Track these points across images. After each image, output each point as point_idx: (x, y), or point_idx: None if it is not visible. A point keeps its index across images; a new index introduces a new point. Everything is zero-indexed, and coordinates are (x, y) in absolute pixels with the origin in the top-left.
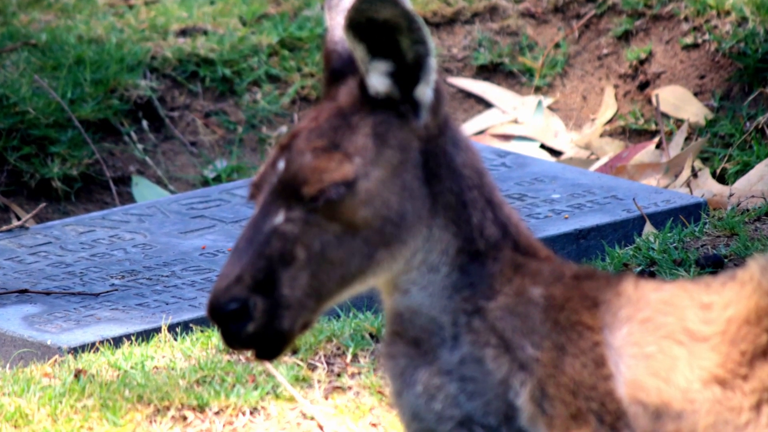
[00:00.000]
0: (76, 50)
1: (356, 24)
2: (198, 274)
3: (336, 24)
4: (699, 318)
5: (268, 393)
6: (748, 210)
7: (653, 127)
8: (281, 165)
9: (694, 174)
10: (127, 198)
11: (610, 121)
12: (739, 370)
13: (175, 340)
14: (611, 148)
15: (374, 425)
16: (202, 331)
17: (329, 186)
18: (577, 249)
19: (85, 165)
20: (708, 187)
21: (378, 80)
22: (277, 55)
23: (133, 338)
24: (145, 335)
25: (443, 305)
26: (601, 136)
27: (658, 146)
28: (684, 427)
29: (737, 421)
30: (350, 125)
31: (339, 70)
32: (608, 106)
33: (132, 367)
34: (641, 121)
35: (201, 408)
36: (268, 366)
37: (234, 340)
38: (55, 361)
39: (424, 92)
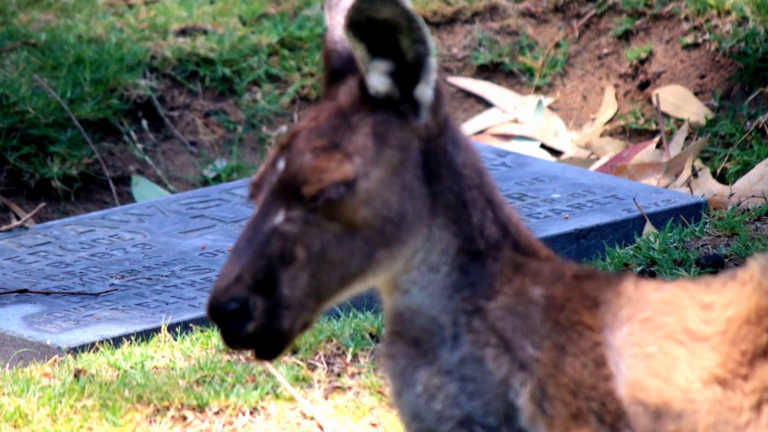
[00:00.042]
0: (76, 50)
1: (356, 23)
2: (198, 273)
3: (336, 23)
4: (699, 318)
5: (268, 393)
6: (748, 210)
7: (653, 126)
8: (281, 165)
9: (695, 174)
10: (127, 198)
11: (610, 121)
12: (740, 370)
13: (175, 340)
14: (611, 147)
15: (374, 425)
16: (201, 331)
17: (329, 186)
18: (577, 249)
19: (85, 165)
20: (708, 187)
21: (378, 80)
22: (277, 54)
23: (132, 338)
24: (145, 335)
25: (443, 305)
26: (602, 135)
27: (658, 146)
28: (684, 427)
29: (738, 421)
30: (350, 125)
31: (339, 69)
32: (608, 106)
33: (132, 367)
34: (641, 121)
35: (201, 408)
36: (268, 366)
37: (234, 340)
38: (55, 361)
39: (424, 92)
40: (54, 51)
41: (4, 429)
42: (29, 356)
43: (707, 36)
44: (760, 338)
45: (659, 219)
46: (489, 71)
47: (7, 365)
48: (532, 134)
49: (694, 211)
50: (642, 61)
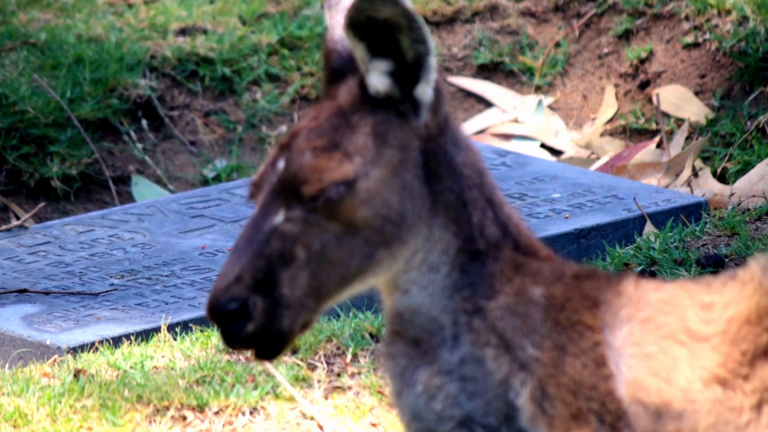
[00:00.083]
0: (76, 49)
1: (356, 23)
2: (197, 273)
3: (336, 23)
4: (700, 318)
5: (267, 393)
6: (748, 209)
7: (654, 126)
8: (281, 164)
9: (695, 173)
10: (127, 197)
11: (610, 121)
12: (740, 369)
13: (175, 339)
14: (612, 147)
15: (374, 425)
16: (201, 331)
17: (329, 185)
18: (577, 248)
19: (85, 164)
20: (709, 187)
21: (378, 79)
22: (277, 54)
23: (132, 338)
24: (145, 335)
25: (443, 305)
26: (602, 135)
27: (658, 146)
28: (685, 427)
29: (738, 421)
30: (350, 124)
31: (339, 69)
32: (609, 106)
33: (131, 367)
34: (642, 121)
35: (200, 408)
36: (268, 366)
37: (234, 340)
38: (55, 360)
39: (425, 91)
40: (53, 50)
41: (3, 429)
42: (29, 356)
43: (708, 35)
44: (761, 338)
45: (659, 219)
46: (489, 71)
47: (7, 365)
48: (532, 134)
49: (694, 211)
50: (642, 61)
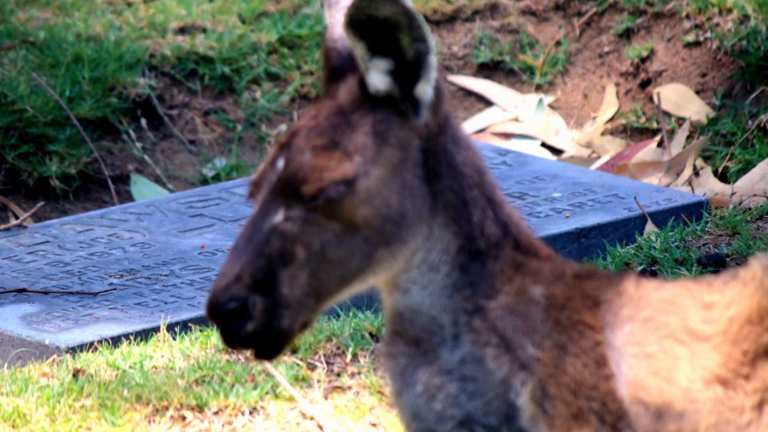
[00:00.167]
0: (75, 48)
1: (356, 22)
2: (197, 273)
3: (336, 22)
4: (701, 317)
5: (267, 393)
6: (749, 209)
7: (655, 125)
8: (281, 163)
9: (696, 172)
10: (126, 197)
11: (611, 120)
12: (741, 369)
13: (174, 339)
14: (612, 146)
15: (374, 425)
16: (201, 331)
17: (329, 185)
18: (578, 248)
19: (84, 163)
20: (710, 186)
21: (378, 78)
22: (277, 53)
23: (131, 338)
24: (144, 335)
25: (443, 304)
26: (603, 134)
27: (659, 145)
28: (686, 427)
29: (739, 421)
30: (350, 123)
31: (339, 68)
32: (609, 105)
33: (130, 367)
34: (642, 120)
35: (200, 408)
36: (268, 365)
37: (233, 340)
38: (54, 360)
39: (425, 90)
40: (52, 49)
41: (2, 429)
42: (28, 356)
43: (708, 34)
44: (762, 338)
45: (660, 218)
46: (489, 69)
47: (6, 365)
48: (532, 133)
49: (695, 210)
50: (643, 60)
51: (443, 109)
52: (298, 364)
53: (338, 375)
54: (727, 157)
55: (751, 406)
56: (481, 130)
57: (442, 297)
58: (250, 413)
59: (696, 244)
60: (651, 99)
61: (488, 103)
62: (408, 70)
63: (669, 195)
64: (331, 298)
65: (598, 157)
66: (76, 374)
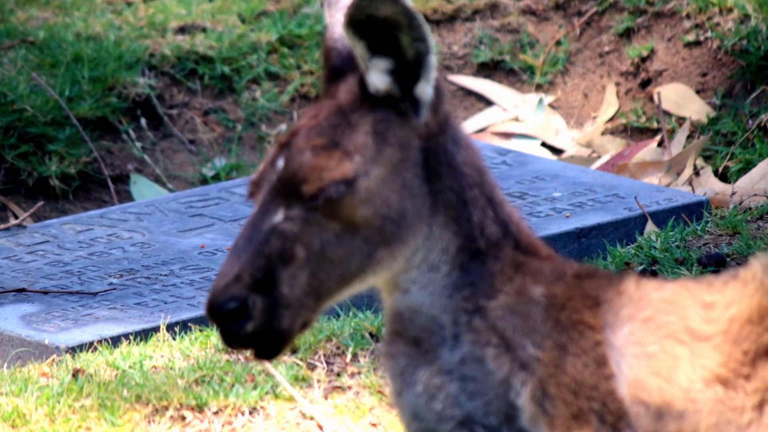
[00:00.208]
0: (74, 48)
1: (356, 21)
2: (197, 273)
3: (336, 21)
4: (701, 317)
5: (267, 393)
6: (750, 208)
7: (655, 125)
8: (280, 163)
9: (696, 172)
10: (126, 196)
11: (611, 119)
12: (742, 369)
13: (174, 339)
14: (613, 146)
15: (374, 425)
16: (200, 331)
17: (329, 184)
18: (578, 248)
19: (83, 163)
20: (710, 186)
21: (378, 78)
22: (277, 52)
23: (131, 338)
24: (144, 335)
25: (444, 304)
26: (603, 134)
27: (659, 144)
28: (686, 426)
29: (739, 420)
30: (350, 123)
31: (339, 67)
32: (610, 104)
33: (130, 367)
34: (643, 119)
35: (200, 408)
36: (268, 365)
37: (233, 340)
38: (53, 360)
39: (425, 90)
40: (52, 49)
41: (2, 429)
42: (27, 356)
43: (709, 34)
44: (762, 338)
45: (661, 218)
46: (489, 69)
47: (5, 365)
48: (532, 132)
49: (695, 210)
50: (643, 59)
51: (443, 108)
52: (298, 364)
53: (338, 375)
54: (728, 156)
55: (751, 406)
56: (481, 130)
57: (442, 297)
58: (250, 413)
59: (696, 243)
60: (651, 99)
61: (488, 102)
62: (408, 70)
63: (669, 195)
64: (331, 298)
65: (599, 157)
66: (75, 374)
